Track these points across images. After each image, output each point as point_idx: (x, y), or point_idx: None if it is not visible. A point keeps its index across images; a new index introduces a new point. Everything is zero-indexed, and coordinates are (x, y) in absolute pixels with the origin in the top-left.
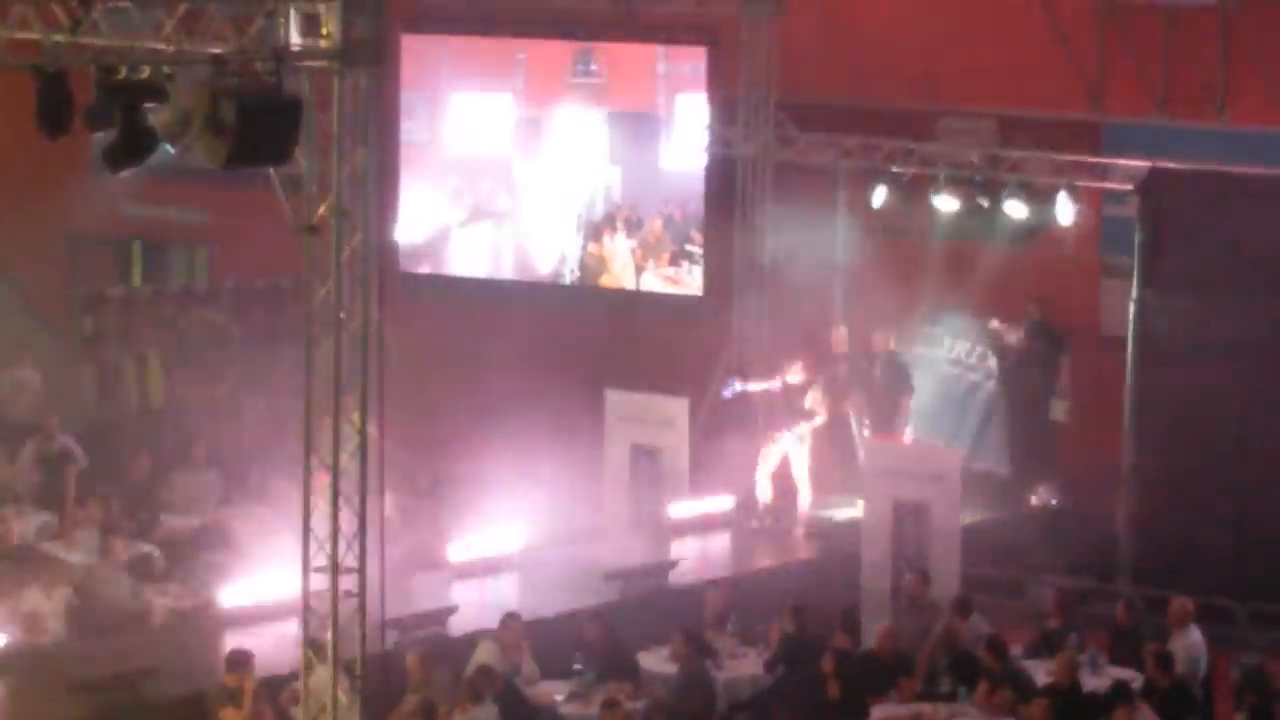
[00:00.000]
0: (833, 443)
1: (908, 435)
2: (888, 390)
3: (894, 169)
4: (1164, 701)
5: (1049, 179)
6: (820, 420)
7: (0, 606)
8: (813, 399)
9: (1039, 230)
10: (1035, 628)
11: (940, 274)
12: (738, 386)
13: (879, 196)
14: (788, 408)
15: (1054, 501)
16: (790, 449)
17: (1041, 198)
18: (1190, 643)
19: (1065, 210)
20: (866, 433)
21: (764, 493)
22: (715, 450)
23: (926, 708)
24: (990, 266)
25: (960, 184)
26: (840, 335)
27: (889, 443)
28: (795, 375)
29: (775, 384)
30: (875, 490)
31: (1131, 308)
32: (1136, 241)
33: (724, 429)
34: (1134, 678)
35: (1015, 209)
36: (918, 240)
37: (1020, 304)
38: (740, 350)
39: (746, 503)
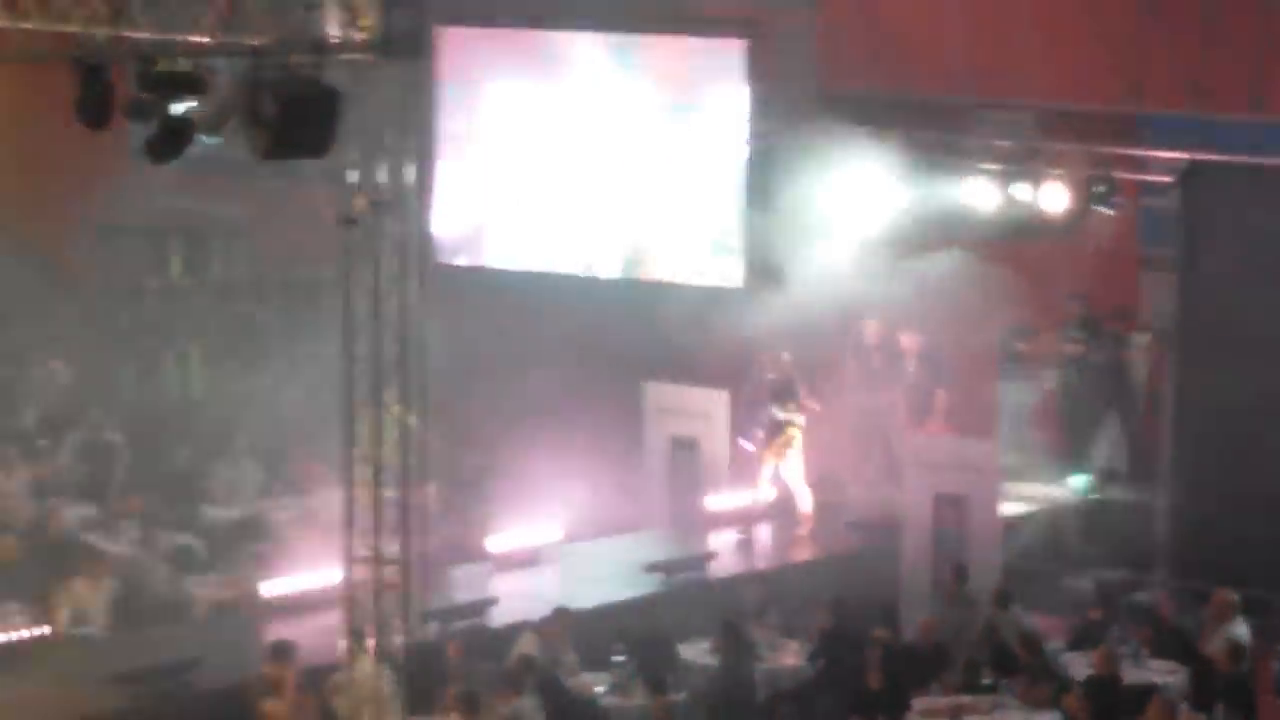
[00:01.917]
0: (868, 435)
1: (939, 429)
2: (920, 384)
3: (932, 161)
4: (1225, 693)
5: (1088, 171)
6: (803, 421)
7: (44, 598)
8: (800, 396)
9: (1077, 223)
10: (1076, 620)
11: (978, 268)
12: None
13: (916, 188)
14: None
15: (1094, 494)
16: (781, 450)
17: (1080, 189)
18: (1236, 635)
19: (1104, 203)
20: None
21: (767, 494)
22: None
23: (967, 700)
24: (1028, 260)
25: (998, 177)
26: (872, 327)
27: (928, 435)
28: (778, 372)
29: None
30: (915, 483)
31: (1171, 300)
32: (1176, 234)
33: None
34: (1175, 670)
35: (1053, 202)
36: (957, 233)
37: (1060, 298)
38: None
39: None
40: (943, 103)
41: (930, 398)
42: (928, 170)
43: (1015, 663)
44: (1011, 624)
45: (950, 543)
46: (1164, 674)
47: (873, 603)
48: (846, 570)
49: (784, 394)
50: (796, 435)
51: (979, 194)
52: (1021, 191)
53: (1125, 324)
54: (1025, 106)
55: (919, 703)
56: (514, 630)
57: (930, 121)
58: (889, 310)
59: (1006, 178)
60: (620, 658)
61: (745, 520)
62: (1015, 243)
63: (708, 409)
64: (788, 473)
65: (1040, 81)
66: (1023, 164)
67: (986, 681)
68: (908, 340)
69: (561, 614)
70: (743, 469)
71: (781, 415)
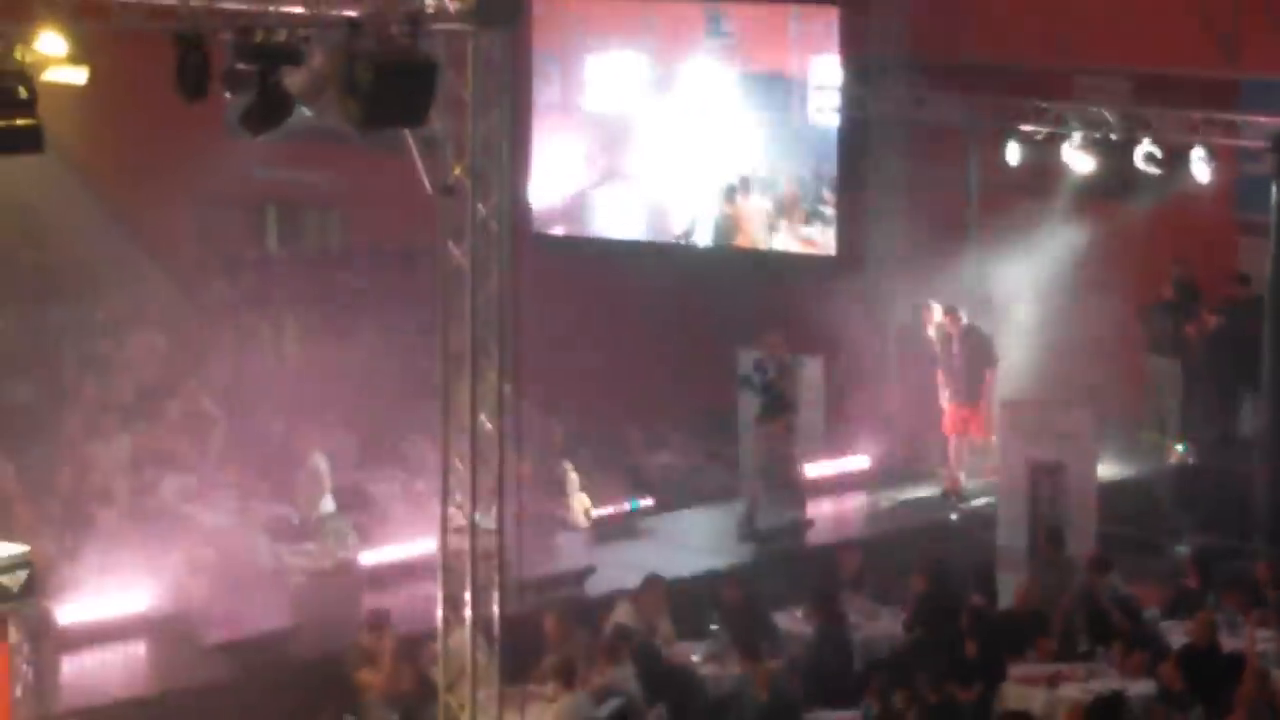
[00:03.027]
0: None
1: (991, 407)
2: (970, 363)
3: (1027, 128)
4: None
5: (1184, 136)
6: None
7: (142, 568)
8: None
9: (1174, 189)
10: (1173, 587)
11: (1076, 235)
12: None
13: (1012, 156)
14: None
15: (1191, 460)
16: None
17: (1176, 156)
18: None
19: (1201, 168)
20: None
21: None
22: (849, 409)
23: (1064, 667)
24: (1126, 226)
25: (1094, 143)
26: (932, 310)
27: (1024, 402)
28: (771, 354)
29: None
30: (1010, 449)
31: (1269, 265)
32: (1273, 199)
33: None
34: (1272, 638)
35: (1150, 167)
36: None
37: (1158, 264)
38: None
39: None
40: (1038, 69)
41: (979, 377)
42: (1022, 138)
43: (1112, 630)
44: (1109, 591)
45: (1046, 509)
46: (1261, 642)
47: (969, 570)
48: (942, 538)
49: (777, 379)
50: (790, 423)
51: (1074, 161)
52: (1118, 158)
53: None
54: (1121, 72)
55: (1015, 670)
56: (610, 599)
57: (1025, 88)
58: (983, 281)
59: (1102, 144)
60: (716, 626)
61: (840, 488)
62: (1112, 210)
63: (803, 377)
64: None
65: (1136, 47)
66: (1119, 130)
67: (1083, 648)
68: (954, 317)
69: (654, 582)
70: (839, 437)
71: (769, 406)
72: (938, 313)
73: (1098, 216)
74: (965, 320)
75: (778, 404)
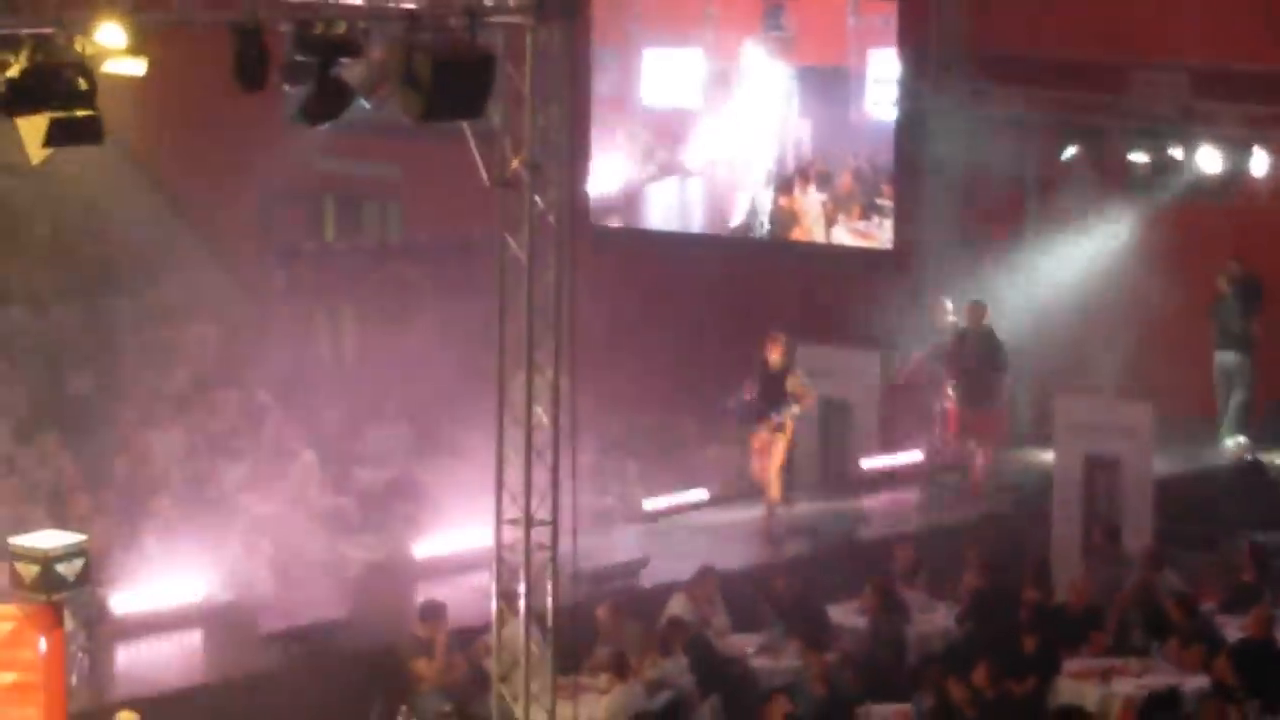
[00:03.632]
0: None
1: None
2: (981, 366)
3: (1085, 122)
4: None
5: (1242, 131)
6: (799, 410)
7: (198, 558)
8: (793, 384)
9: (1233, 183)
10: (1229, 582)
11: (1132, 230)
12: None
13: (1070, 150)
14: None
15: (1249, 455)
16: (770, 439)
17: (1236, 151)
18: None
19: (1260, 163)
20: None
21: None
22: (904, 404)
23: (1118, 661)
24: (1183, 221)
25: (1153, 137)
26: (944, 306)
27: (1080, 396)
28: (776, 357)
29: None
30: (1066, 443)
31: None
32: None
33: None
34: None
35: (1209, 162)
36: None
37: (1217, 259)
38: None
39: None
40: (1096, 64)
41: (991, 381)
42: (1080, 132)
43: (1168, 625)
44: (1165, 585)
45: (1102, 504)
46: None
47: (1024, 564)
48: (996, 532)
49: (780, 381)
50: (789, 425)
51: (1132, 156)
52: (1177, 153)
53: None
54: (1179, 66)
55: (1070, 664)
56: (664, 591)
57: (1083, 83)
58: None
59: (1161, 139)
60: (771, 620)
61: (895, 482)
62: (1169, 204)
63: (859, 370)
64: (769, 462)
65: (1196, 42)
66: (1177, 125)
67: (1138, 643)
68: (973, 315)
69: (707, 572)
70: (893, 432)
71: (776, 414)
72: (949, 308)
73: (1154, 211)
74: (986, 319)
75: (755, 413)
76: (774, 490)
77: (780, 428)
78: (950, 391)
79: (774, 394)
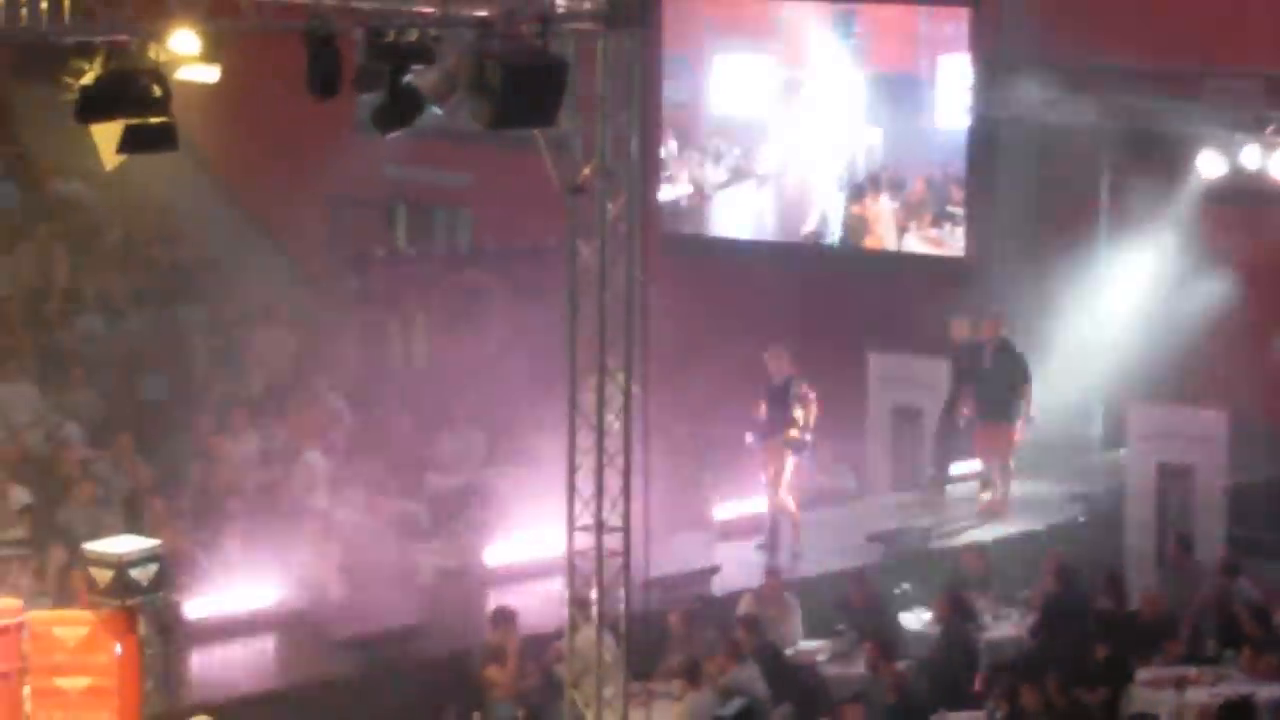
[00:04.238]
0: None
1: (1026, 427)
2: (1000, 380)
3: (1158, 129)
4: None
5: None
6: (801, 430)
7: (271, 563)
8: (799, 402)
9: None
10: None
11: (1206, 237)
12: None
13: (1143, 157)
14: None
15: None
16: (778, 455)
17: None
18: None
19: None
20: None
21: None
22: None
23: (1192, 670)
24: (1257, 228)
25: (1226, 144)
26: (959, 325)
27: (1153, 405)
28: (777, 370)
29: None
30: (1139, 452)
31: None
32: None
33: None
34: None
35: None
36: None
37: None
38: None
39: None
40: (1169, 71)
41: (1013, 394)
42: (1153, 140)
43: (1241, 634)
44: (1239, 594)
45: (1174, 512)
46: None
47: (1097, 572)
48: (1067, 541)
49: (784, 394)
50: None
51: (1205, 163)
52: (1250, 160)
53: None
54: (1253, 73)
55: (1143, 673)
56: (735, 599)
57: (1156, 90)
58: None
59: (1234, 146)
60: (841, 626)
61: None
62: (1243, 211)
63: (931, 379)
64: (780, 484)
65: (1269, 48)
66: (1251, 132)
67: (1211, 652)
68: (989, 327)
69: (773, 573)
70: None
71: (784, 428)
72: (964, 325)
73: (1228, 218)
74: (1003, 331)
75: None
76: (790, 506)
77: (789, 442)
78: (965, 409)
79: (780, 408)
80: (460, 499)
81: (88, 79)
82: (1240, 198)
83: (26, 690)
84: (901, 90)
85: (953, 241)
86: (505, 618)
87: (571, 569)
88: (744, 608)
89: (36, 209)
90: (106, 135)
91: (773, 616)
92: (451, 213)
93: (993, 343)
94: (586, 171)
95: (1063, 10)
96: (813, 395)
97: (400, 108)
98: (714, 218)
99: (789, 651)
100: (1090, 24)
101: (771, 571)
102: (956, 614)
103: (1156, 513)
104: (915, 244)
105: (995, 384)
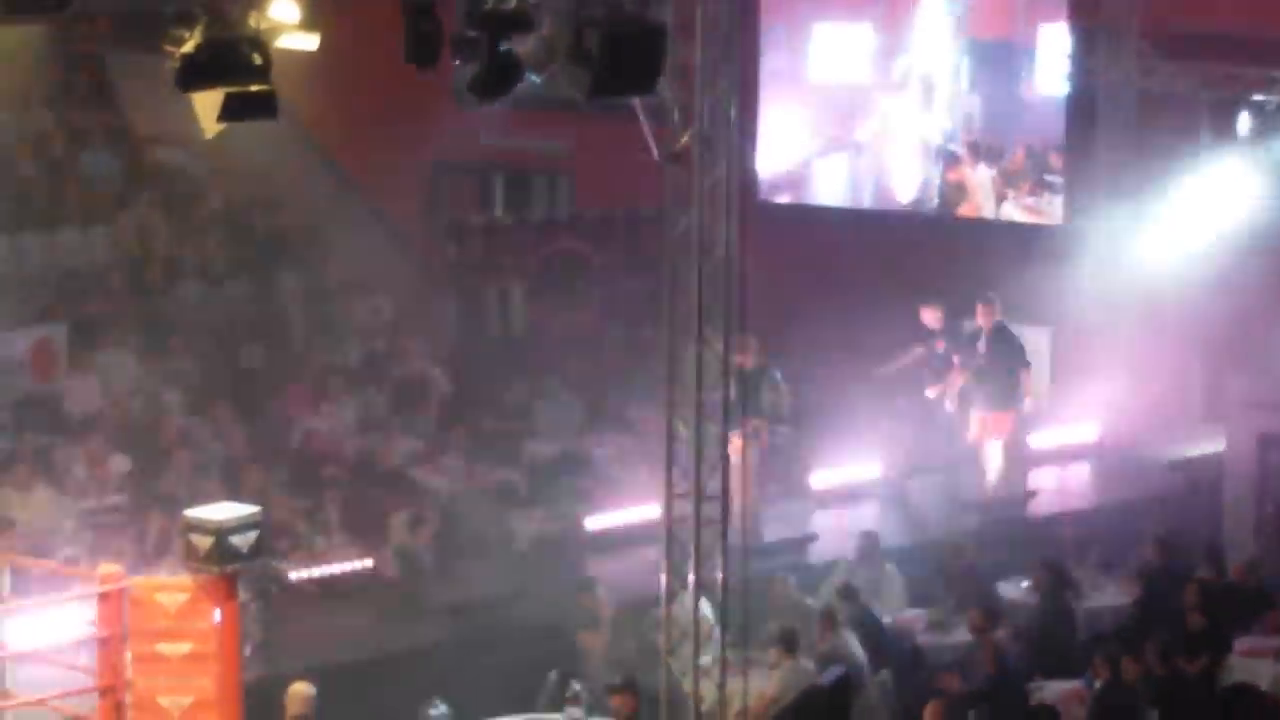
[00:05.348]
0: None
1: (1027, 410)
2: (998, 365)
3: (1259, 97)
4: None
5: None
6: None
7: (369, 531)
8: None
9: None
10: None
11: None
12: None
13: (1243, 126)
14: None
15: None
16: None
17: None
18: None
19: None
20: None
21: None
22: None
23: None
24: None
25: None
26: (933, 311)
27: (1253, 374)
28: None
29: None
30: (1239, 422)
31: None
32: None
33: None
34: None
35: None
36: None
37: None
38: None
39: None
40: (1269, 38)
41: (1013, 379)
42: (1253, 108)
43: None
44: None
45: (1274, 482)
46: None
47: (1196, 542)
48: (1165, 510)
49: (754, 384)
50: (763, 428)
51: None
52: None
53: None
54: None
55: (1241, 643)
56: (833, 566)
57: (1256, 57)
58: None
59: None
60: (941, 595)
61: (1065, 459)
62: None
63: (1032, 346)
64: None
65: None
66: None
67: None
68: (983, 312)
69: (869, 537)
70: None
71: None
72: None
73: None
74: (998, 316)
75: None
76: (748, 496)
77: (755, 432)
78: (959, 396)
79: (747, 398)
80: (558, 466)
81: (188, 47)
82: None
83: (128, 655)
84: (1000, 58)
85: (1051, 210)
86: (599, 585)
87: (669, 537)
88: (839, 570)
89: (136, 177)
90: (207, 103)
91: (871, 584)
92: (549, 181)
93: (989, 329)
94: (684, 140)
95: None
96: (788, 395)
97: (498, 76)
98: (811, 186)
99: (887, 620)
100: None
101: (866, 533)
102: (1055, 583)
103: (1256, 483)
104: (1013, 212)
105: (996, 371)
